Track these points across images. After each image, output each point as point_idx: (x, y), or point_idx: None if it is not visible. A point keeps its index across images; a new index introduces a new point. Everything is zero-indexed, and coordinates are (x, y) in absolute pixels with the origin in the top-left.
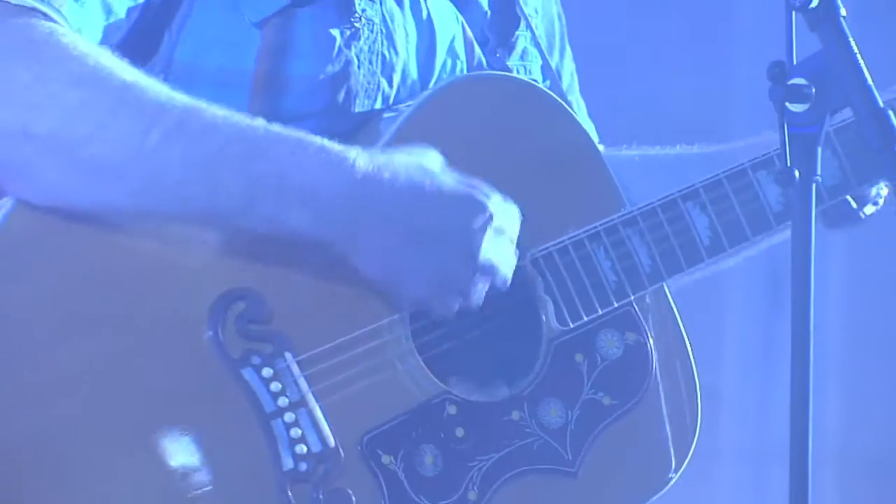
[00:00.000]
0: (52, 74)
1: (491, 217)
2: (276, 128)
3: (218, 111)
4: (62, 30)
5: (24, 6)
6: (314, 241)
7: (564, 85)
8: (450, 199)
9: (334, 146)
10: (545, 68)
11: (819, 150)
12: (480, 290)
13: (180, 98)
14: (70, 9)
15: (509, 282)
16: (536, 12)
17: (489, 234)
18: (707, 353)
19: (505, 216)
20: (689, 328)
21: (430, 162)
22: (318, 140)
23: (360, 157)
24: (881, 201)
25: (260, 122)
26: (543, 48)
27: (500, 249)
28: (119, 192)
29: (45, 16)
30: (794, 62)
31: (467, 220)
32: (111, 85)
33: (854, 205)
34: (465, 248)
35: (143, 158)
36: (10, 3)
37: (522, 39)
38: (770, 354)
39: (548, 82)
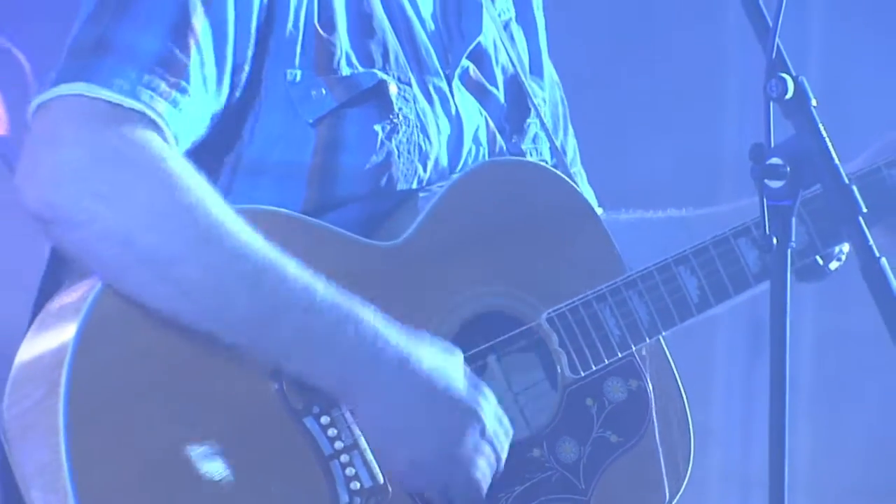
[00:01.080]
0: (159, 196)
1: (483, 427)
2: (331, 294)
3: (290, 268)
4: (173, 152)
5: (134, 109)
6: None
7: (569, 160)
8: (453, 404)
9: (370, 324)
10: (552, 149)
11: (793, 220)
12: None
13: (259, 245)
14: (170, 114)
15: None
16: (544, 101)
17: (475, 439)
18: (697, 394)
19: (495, 425)
20: (682, 372)
21: (450, 364)
22: (357, 318)
23: (391, 348)
24: (843, 257)
25: (320, 287)
26: (550, 131)
27: (481, 452)
28: (192, 308)
29: (150, 119)
30: (772, 144)
31: (461, 425)
32: (206, 218)
33: (821, 262)
34: (449, 448)
35: (217, 290)
36: (121, 105)
37: (533, 126)
38: (751, 394)
39: (554, 160)
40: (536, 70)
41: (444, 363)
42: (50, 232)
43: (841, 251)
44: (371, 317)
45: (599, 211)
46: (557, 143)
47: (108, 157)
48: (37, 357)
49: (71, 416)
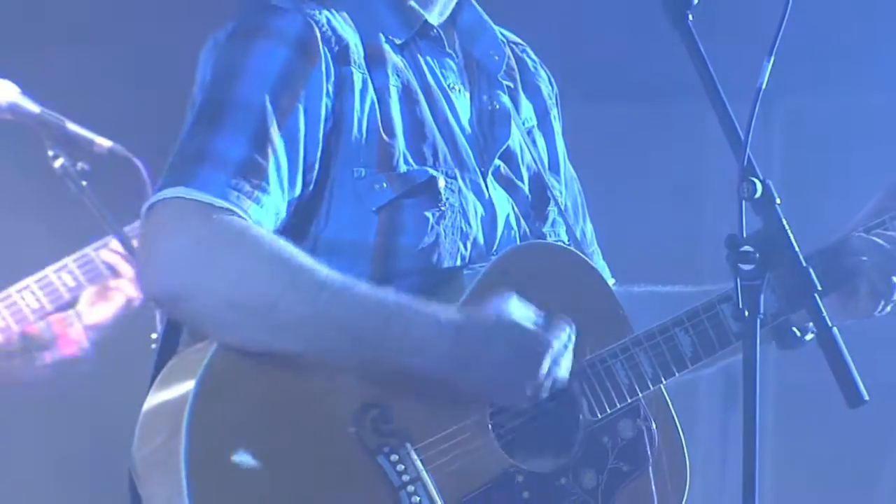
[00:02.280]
0: (249, 260)
1: (550, 347)
2: (402, 298)
3: (362, 287)
4: (253, 225)
5: (224, 207)
6: (426, 375)
7: (587, 241)
8: (521, 335)
9: (441, 309)
10: (568, 231)
11: (762, 296)
12: (542, 393)
13: (335, 276)
14: (254, 210)
15: (563, 383)
16: (561, 193)
17: (548, 359)
18: (684, 433)
19: (562, 347)
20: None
21: (511, 306)
22: (431, 307)
23: (459, 317)
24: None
25: (391, 295)
26: (569, 217)
27: (556, 367)
28: (294, 342)
29: (237, 214)
30: (744, 235)
31: (534, 350)
32: (289, 267)
33: (798, 333)
34: (533, 369)
35: (311, 320)
36: (213, 204)
37: (552, 213)
38: (727, 433)
39: (570, 241)
40: (555, 168)
41: (503, 306)
42: (166, 308)
43: (813, 327)
44: (439, 309)
45: (612, 282)
46: (577, 229)
47: (204, 241)
48: (160, 405)
49: (190, 456)
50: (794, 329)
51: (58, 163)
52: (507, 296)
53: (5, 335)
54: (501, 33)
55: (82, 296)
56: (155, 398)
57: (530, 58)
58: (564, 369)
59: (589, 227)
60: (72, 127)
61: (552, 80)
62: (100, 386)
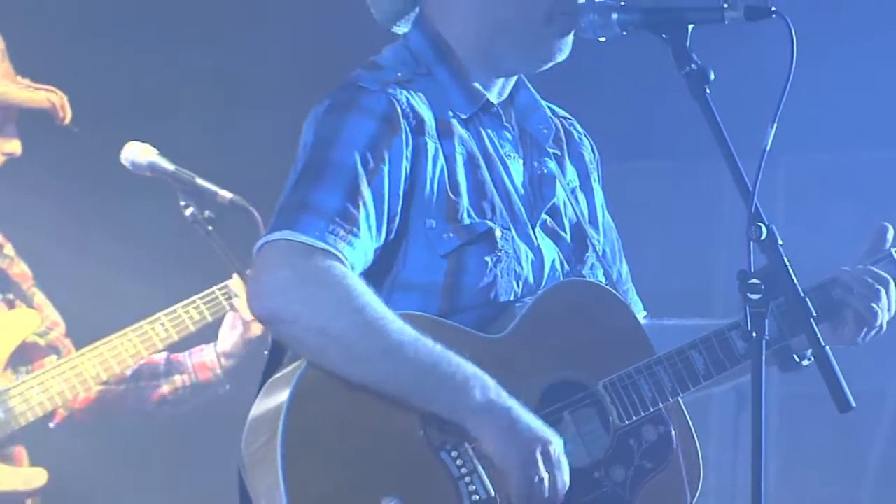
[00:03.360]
0: (342, 300)
1: (547, 446)
2: (460, 363)
3: (425, 347)
4: (350, 273)
5: (322, 248)
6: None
7: (622, 280)
8: (528, 432)
9: (487, 384)
10: (606, 273)
11: (766, 321)
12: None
13: (408, 330)
14: (347, 251)
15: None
16: (598, 241)
17: (543, 457)
18: (699, 433)
19: (557, 446)
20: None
21: (531, 416)
22: (480, 380)
23: (501, 401)
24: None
25: (454, 358)
26: (606, 261)
27: (549, 464)
28: (364, 375)
29: (334, 255)
30: (752, 270)
31: (534, 447)
32: (372, 315)
33: (797, 359)
34: (531, 462)
35: (379, 365)
36: (314, 246)
37: (590, 258)
38: (737, 434)
39: (608, 282)
40: (594, 221)
41: (528, 415)
42: (269, 327)
43: (811, 355)
44: (487, 381)
45: (644, 314)
46: (613, 270)
47: (306, 276)
48: (263, 412)
49: (286, 454)
50: (794, 355)
51: (188, 211)
52: (517, 408)
53: (135, 360)
54: (552, 109)
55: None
56: (259, 406)
57: (576, 129)
58: (561, 480)
59: (625, 268)
60: (200, 181)
61: (594, 147)
62: (226, 396)
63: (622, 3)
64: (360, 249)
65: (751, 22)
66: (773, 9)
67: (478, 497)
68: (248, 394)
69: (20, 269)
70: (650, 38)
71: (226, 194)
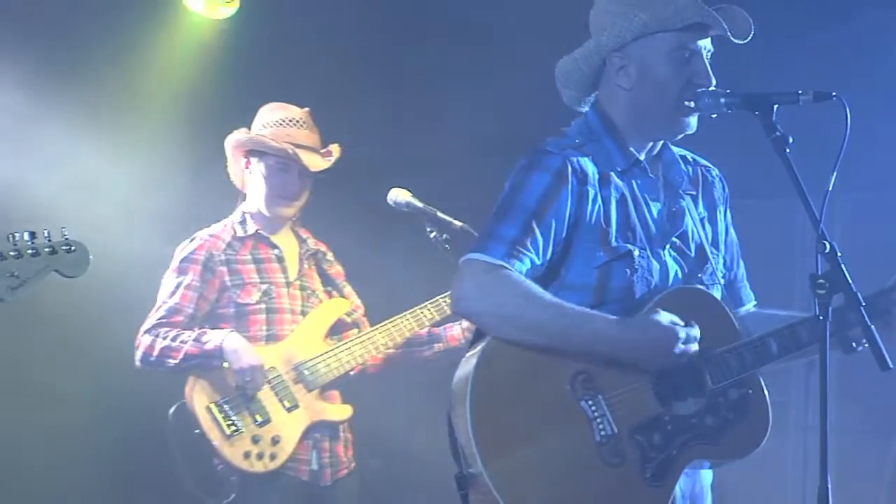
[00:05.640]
0: (511, 293)
1: (678, 335)
2: (594, 315)
3: (573, 309)
4: (518, 275)
5: (499, 264)
6: (608, 357)
7: (738, 278)
8: (660, 330)
9: (615, 319)
10: (724, 278)
11: (829, 309)
12: (681, 360)
13: (557, 302)
14: (517, 265)
15: (694, 356)
16: (717, 257)
17: (678, 342)
18: (780, 390)
19: (687, 335)
20: (768, 380)
21: (657, 315)
22: (610, 318)
23: (625, 322)
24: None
25: (588, 313)
26: (726, 267)
27: (687, 346)
28: (535, 338)
29: (506, 268)
30: (819, 273)
31: (667, 336)
32: (533, 296)
33: (854, 345)
34: (668, 348)
35: (543, 327)
36: (493, 263)
37: (708, 269)
38: (809, 389)
39: (724, 286)
40: (716, 242)
41: (652, 314)
42: (470, 320)
43: (864, 343)
44: (616, 324)
45: (754, 303)
46: (731, 274)
47: (485, 284)
48: (462, 371)
49: (474, 406)
50: (853, 342)
51: (432, 234)
52: (656, 311)
53: (410, 333)
54: (695, 159)
55: None
56: (461, 367)
57: (711, 174)
58: (693, 348)
59: (741, 270)
60: (440, 214)
61: (724, 186)
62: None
63: (728, 91)
64: (527, 264)
65: (818, 103)
66: (834, 93)
67: (604, 433)
68: None
69: (336, 269)
70: (745, 114)
71: (457, 223)
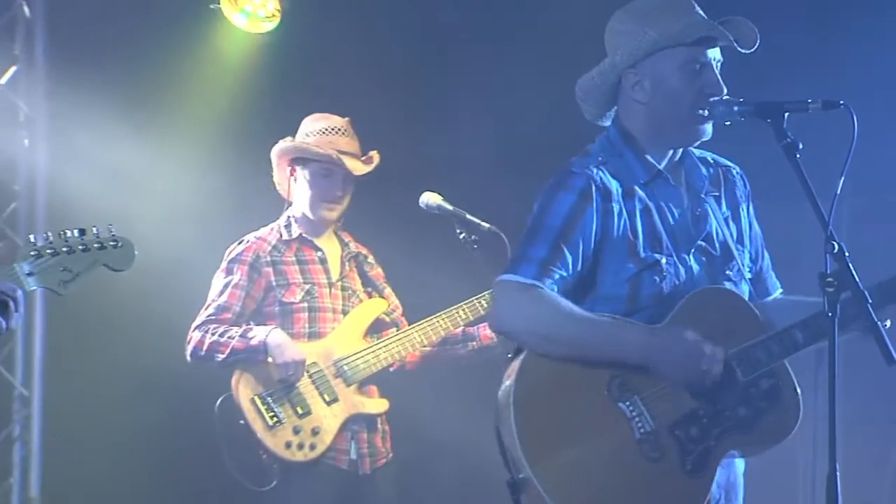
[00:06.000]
0: (545, 312)
1: (702, 354)
2: (624, 328)
3: (604, 323)
4: (550, 293)
5: (531, 283)
6: (641, 366)
7: (764, 269)
8: (685, 346)
9: (645, 332)
10: (750, 271)
11: (838, 306)
12: (706, 382)
13: (590, 317)
14: (548, 283)
15: (716, 377)
16: (742, 253)
17: (702, 362)
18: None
19: (712, 355)
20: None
21: (682, 332)
22: (639, 332)
23: (651, 337)
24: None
25: (618, 327)
26: (752, 260)
27: (707, 367)
28: (570, 353)
29: (538, 287)
30: (828, 272)
31: (693, 355)
32: (567, 315)
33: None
34: (692, 366)
35: (577, 342)
36: (526, 283)
37: (735, 265)
38: (817, 384)
39: (750, 275)
40: (740, 239)
41: (675, 331)
42: (508, 338)
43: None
44: (645, 333)
45: (780, 290)
46: (756, 266)
47: (519, 304)
48: (503, 389)
49: (518, 416)
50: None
51: (461, 236)
52: (680, 328)
53: (445, 332)
54: (716, 159)
55: None
56: (503, 382)
57: (731, 173)
58: (716, 369)
59: (766, 261)
60: (469, 216)
61: (746, 183)
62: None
63: (741, 100)
64: (558, 282)
65: (826, 111)
66: (842, 102)
67: (644, 430)
68: None
69: (377, 272)
70: (758, 122)
71: (485, 224)
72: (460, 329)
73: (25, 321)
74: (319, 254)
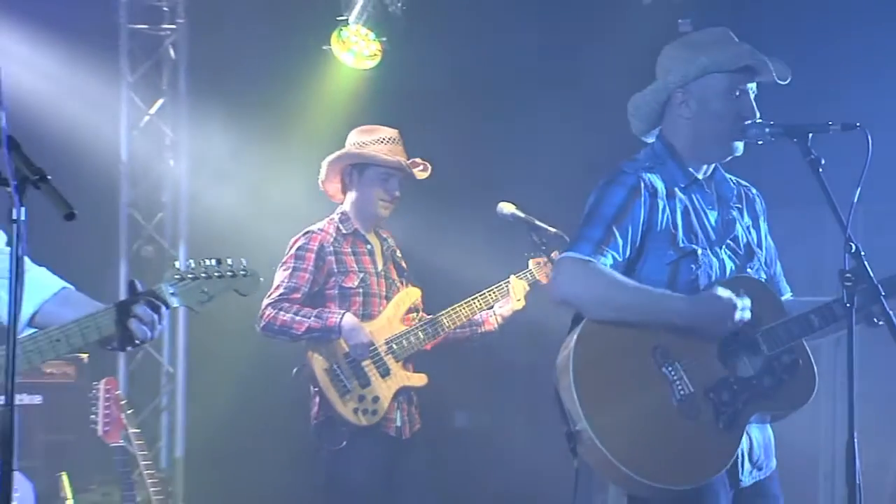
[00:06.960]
0: (601, 282)
1: (735, 304)
2: (669, 296)
3: (653, 291)
4: (603, 266)
5: (587, 259)
6: (682, 328)
7: (777, 275)
8: (721, 302)
9: (686, 297)
10: (766, 272)
11: (855, 298)
12: (739, 324)
13: (639, 286)
14: (602, 260)
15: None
16: (760, 255)
17: (735, 310)
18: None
19: (745, 304)
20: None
21: (714, 292)
22: (681, 297)
23: (693, 298)
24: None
25: (664, 294)
26: (767, 265)
27: (742, 313)
28: (624, 316)
29: (592, 262)
30: (847, 268)
31: (726, 307)
32: (619, 283)
33: (875, 321)
34: (728, 315)
35: (630, 306)
36: (583, 258)
37: (756, 264)
38: (835, 364)
39: (765, 276)
40: (759, 244)
41: (714, 290)
42: (567, 304)
43: (879, 321)
44: (685, 297)
45: (790, 293)
46: (771, 270)
47: (577, 275)
48: (563, 355)
49: (576, 377)
50: (874, 318)
51: (533, 238)
52: (712, 290)
53: (466, 318)
54: (737, 181)
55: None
56: (562, 347)
57: (750, 192)
58: (747, 315)
59: (779, 269)
60: (537, 222)
61: (762, 201)
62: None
63: (771, 122)
64: (609, 260)
65: (845, 132)
66: (858, 124)
67: (683, 392)
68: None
69: (404, 264)
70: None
71: (551, 229)
72: (473, 316)
73: (170, 312)
74: (369, 247)
